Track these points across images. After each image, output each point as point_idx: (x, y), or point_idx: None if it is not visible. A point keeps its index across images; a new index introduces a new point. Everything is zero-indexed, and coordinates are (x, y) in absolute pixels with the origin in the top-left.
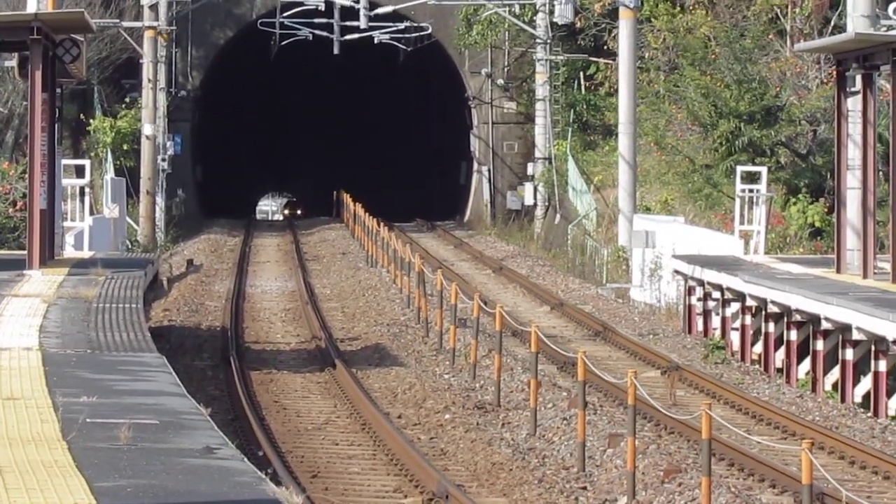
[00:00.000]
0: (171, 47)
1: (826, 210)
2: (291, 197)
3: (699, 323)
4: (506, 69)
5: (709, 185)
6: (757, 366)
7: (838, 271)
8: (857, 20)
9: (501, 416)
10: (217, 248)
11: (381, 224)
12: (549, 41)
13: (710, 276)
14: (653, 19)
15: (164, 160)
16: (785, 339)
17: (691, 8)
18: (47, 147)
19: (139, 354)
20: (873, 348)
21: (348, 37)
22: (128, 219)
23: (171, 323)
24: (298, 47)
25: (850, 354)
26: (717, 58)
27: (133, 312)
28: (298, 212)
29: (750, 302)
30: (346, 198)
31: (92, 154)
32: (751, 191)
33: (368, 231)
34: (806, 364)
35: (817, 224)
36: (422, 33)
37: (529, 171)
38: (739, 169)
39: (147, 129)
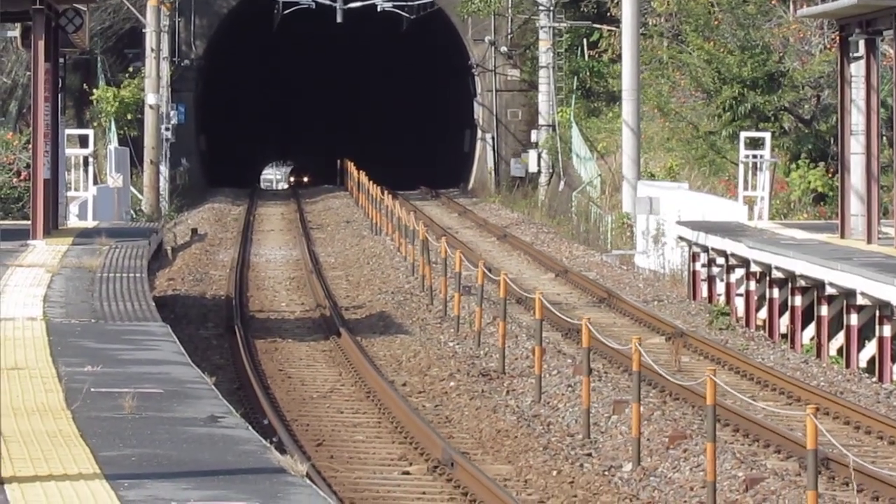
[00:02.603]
0: (174, 16)
1: (829, 175)
2: (297, 165)
3: (703, 289)
4: (509, 36)
5: (712, 152)
6: (761, 331)
7: (842, 236)
8: None
9: (506, 384)
10: (221, 218)
11: (386, 192)
12: (552, 8)
13: (715, 242)
14: None
15: (167, 129)
16: (789, 304)
17: None
18: (51, 117)
19: (143, 324)
20: (878, 313)
21: (351, 5)
22: (132, 188)
23: (176, 292)
24: (301, 16)
25: (854, 320)
26: (721, 24)
27: (137, 282)
28: (305, 179)
29: (754, 268)
30: (350, 166)
31: (95, 124)
32: (754, 157)
33: (372, 199)
34: (810, 329)
35: (819, 188)
36: (425, 1)
37: (533, 138)
38: (743, 135)
39: (150, 99)
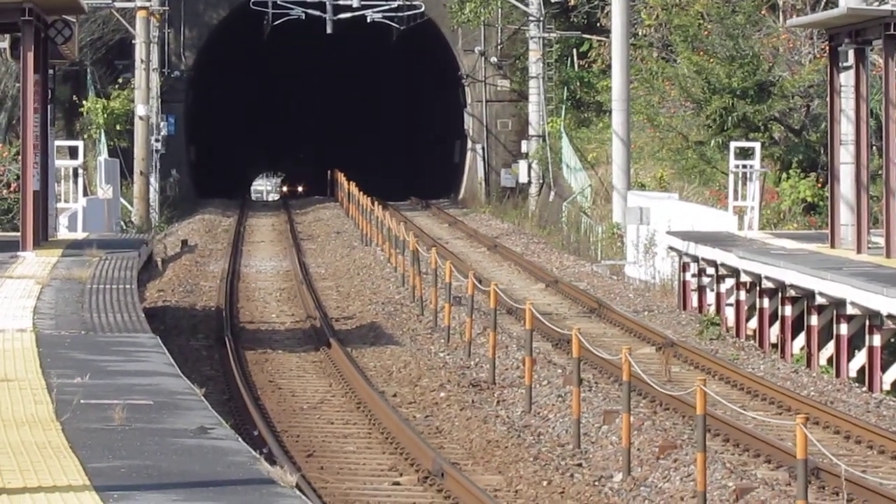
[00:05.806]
0: (164, 27)
1: (819, 185)
2: (287, 176)
3: (694, 299)
4: (499, 47)
5: (702, 162)
6: (752, 341)
7: (832, 246)
8: None
9: (496, 394)
10: (211, 229)
11: (376, 203)
12: (542, 18)
13: (705, 252)
14: None
15: (157, 141)
16: (779, 314)
17: None
18: (40, 128)
19: (133, 335)
20: (867, 323)
21: (341, 16)
22: (121, 200)
23: (166, 303)
24: (291, 27)
25: (844, 329)
26: (710, 34)
27: (127, 293)
28: (299, 189)
29: (744, 278)
30: (341, 177)
31: (85, 135)
32: (744, 167)
33: (363, 210)
34: (801, 339)
35: (809, 198)
36: (415, 11)
37: (523, 148)
38: (733, 145)
39: (140, 110)
